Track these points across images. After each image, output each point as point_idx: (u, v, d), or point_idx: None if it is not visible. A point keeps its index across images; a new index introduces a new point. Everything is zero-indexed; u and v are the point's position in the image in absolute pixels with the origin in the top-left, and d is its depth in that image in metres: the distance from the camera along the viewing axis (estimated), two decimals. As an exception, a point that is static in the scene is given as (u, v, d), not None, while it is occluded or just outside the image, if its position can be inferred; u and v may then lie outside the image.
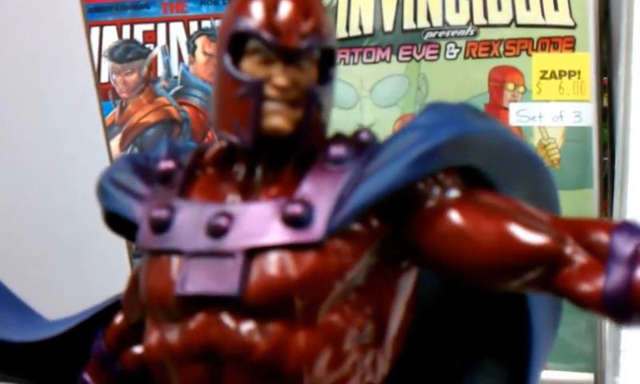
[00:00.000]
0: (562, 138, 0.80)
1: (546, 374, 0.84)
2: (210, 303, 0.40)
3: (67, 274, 1.02)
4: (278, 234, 0.40)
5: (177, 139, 1.04)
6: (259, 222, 0.40)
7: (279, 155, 0.42)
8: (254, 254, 0.40)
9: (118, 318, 0.52)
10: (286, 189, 0.42)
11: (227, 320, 0.40)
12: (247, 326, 0.40)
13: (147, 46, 1.03)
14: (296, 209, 0.40)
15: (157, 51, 1.03)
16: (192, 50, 1.02)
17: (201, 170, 0.45)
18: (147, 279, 0.43)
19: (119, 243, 0.93)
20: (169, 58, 1.03)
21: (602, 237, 0.38)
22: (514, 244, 0.39)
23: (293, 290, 0.39)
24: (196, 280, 0.41)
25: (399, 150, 0.40)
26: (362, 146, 0.42)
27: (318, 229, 0.39)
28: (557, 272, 0.38)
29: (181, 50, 1.02)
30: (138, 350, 0.51)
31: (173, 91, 1.03)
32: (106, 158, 1.02)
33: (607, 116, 0.81)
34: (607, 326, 0.82)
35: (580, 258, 0.38)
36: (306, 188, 0.41)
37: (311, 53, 0.42)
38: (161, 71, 1.03)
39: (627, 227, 0.37)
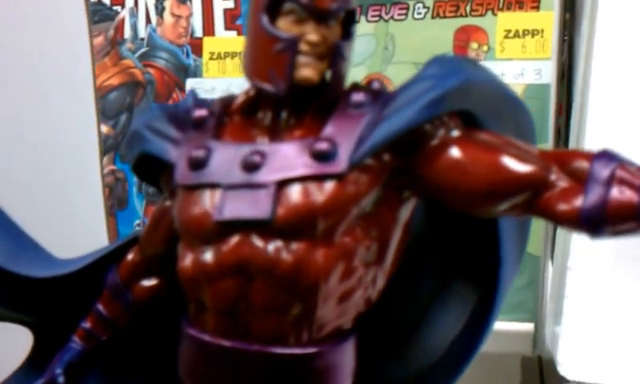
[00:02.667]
0: (522, 94, 0.83)
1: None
2: (243, 227, 0.47)
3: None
4: (307, 167, 0.47)
5: (140, 101, 1.04)
6: (289, 158, 0.47)
7: (301, 103, 0.49)
8: (284, 184, 0.46)
9: (131, 255, 0.59)
10: (309, 131, 0.48)
11: (257, 241, 0.47)
12: (275, 245, 0.46)
13: (115, 8, 1.04)
14: (323, 145, 0.47)
15: (124, 13, 1.03)
16: (160, 11, 1.03)
17: (228, 118, 0.52)
18: (184, 211, 0.49)
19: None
20: (136, 20, 1.03)
21: (584, 163, 0.44)
22: (506, 173, 0.45)
23: (317, 213, 0.46)
24: (232, 208, 0.47)
25: (413, 96, 0.47)
26: (376, 93, 0.49)
27: (341, 162, 0.46)
28: (540, 195, 0.45)
29: (149, 11, 1.03)
30: (147, 282, 0.59)
31: (138, 53, 1.04)
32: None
33: (565, 74, 0.84)
34: (550, 275, 0.85)
35: (562, 183, 0.44)
36: (330, 129, 0.47)
37: (339, 13, 0.48)
38: (127, 33, 1.04)
39: (605, 154, 0.44)
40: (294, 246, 0.46)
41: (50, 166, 1.15)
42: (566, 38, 0.83)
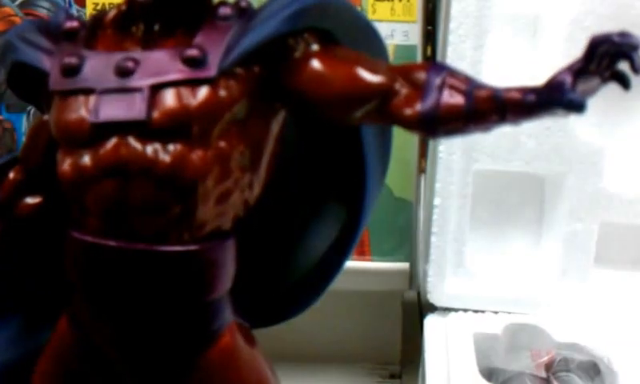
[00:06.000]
0: (392, 54, 0.91)
1: (367, 265, 0.97)
2: (120, 129, 0.49)
3: None
4: (179, 72, 0.50)
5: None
6: (161, 64, 0.50)
7: (172, 17, 0.52)
8: (158, 88, 0.49)
9: (12, 174, 0.59)
10: (181, 41, 0.51)
11: (135, 143, 0.49)
12: (153, 146, 0.49)
13: (-12, -47, 1.03)
14: (193, 52, 0.50)
15: (-2, -40, 1.03)
16: (36, -42, 1.03)
17: (100, 31, 0.54)
18: (60, 117, 0.51)
19: None
20: (12, -33, 1.03)
21: (421, 74, 0.50)
22: (360, 82, 0.51)
23: (191, 116, 0.49)
24: (107, 110, 0.49)
25: (276, 9, 0.51)
26: (243, 10, 0.53)
27: (211, 68, 0.50)
28: (389, 102, 0.50)
29: (24, -42, 1.03)
30: (31, 200, 0.59)
31: (18, 1, 1.04)
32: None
33: (431, 36, 0.94)
34: (421, 215, 0.96)
35: (405, 90, 0.50)
36: (200, 39, 0.51)
37: None
38: (5, -19, 1.03)
39: (438, 65, 0.50)
40: (171, 147, 0.49)
41: None
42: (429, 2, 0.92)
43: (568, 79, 0.44)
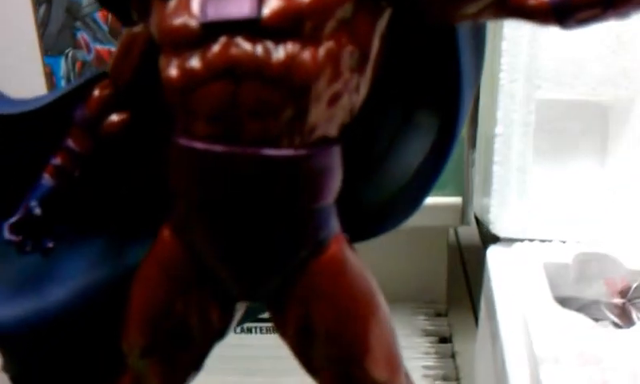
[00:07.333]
0: None
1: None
2: (229, 29, 0.47)
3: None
4: None
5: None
6: None
7: None
8: None
9: (98, 90, 0.58)
10: None
11: (244, 43, 0.47)
12: (263, 46, 0.47)
13: None
14: None
15: None
16: None
17: None
18: (163, 19, 0.49)
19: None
20: None
21: None
22: None
23: (303, 12, 0.47)
24: (216, 9, 0.48)
25: None
26: None
27: None
28: None
29: None
30: (117, 116, 0.58)
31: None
32: None
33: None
34: (478, 147, 0.94)
35: None
36: None
37: None
38: None
39: None
40: (282, 47, 0.47)
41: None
42: None
43: None
